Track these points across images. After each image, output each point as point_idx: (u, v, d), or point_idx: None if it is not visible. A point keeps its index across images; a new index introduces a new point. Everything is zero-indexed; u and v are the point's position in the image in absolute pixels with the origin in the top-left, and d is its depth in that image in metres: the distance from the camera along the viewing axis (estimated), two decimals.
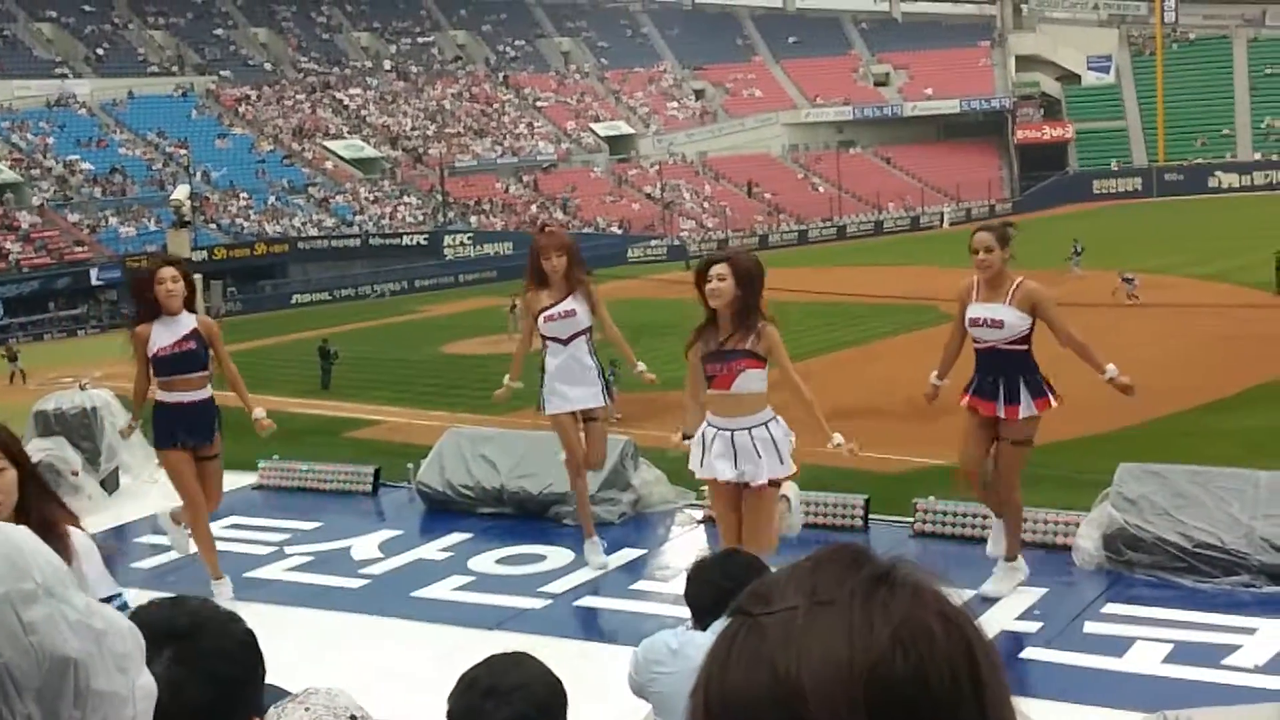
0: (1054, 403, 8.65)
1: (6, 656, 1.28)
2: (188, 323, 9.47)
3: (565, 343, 9.88)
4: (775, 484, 8.20)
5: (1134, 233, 67.59)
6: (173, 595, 2.28)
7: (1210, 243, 59.92)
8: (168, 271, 9.45)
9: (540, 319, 9.90)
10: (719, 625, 3.83)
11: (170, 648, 2.12)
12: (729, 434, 8.15)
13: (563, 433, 10.05)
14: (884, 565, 1.20)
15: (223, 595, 9.45)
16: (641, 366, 9.94)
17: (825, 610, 1.16)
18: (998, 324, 8.58)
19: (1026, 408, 8.56)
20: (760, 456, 8.11)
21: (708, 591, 4.61)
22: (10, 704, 1.26)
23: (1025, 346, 8.60)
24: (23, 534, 1.41)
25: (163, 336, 9.39)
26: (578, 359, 9.91)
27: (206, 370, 9.57)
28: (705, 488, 8.92)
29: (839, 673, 1.12)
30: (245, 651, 2.26)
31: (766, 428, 8.15)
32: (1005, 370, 8.61)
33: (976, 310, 8.65)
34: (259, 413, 9.76)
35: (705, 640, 4.43)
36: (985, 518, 10.04)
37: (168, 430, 9.54)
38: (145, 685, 1.47)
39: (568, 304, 9.81)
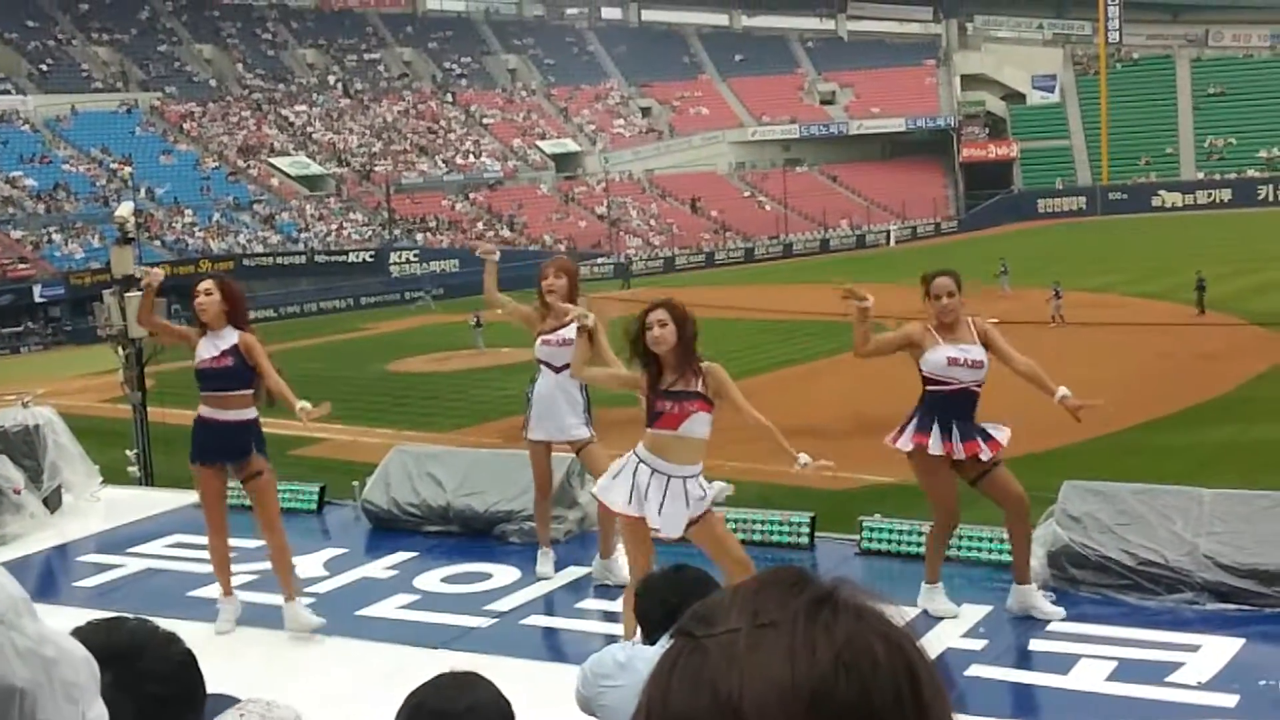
0: (1004, 442, 8.75)
1: None
2: (229, 338, 9.24)
3: (556, 370, 9.85)
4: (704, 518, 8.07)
5: (1076, 251, 68.11)
6: (111, 616, 2.24)
7: (1152, 261, 60.49)
8: (203, 284, 9.36)
9: (538, 341, 9.94)
10: (666, 639, 3.81)
11: (109, 670, 2.09)
12: (665, 479, 7.89)
13: (534, 460, 10.15)
14: (827, 587, 1.20)
15: (225, 615, 9.42)
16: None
17: (767, 632, 1.15)
18: (978, 364, 8.62)
19: (1001, 435, 8.65)
20: (686, 504, 7.89)
21: (656, 607, 4.62)
22: None
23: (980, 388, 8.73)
24: None
25: (205, 349, 9.23)
26: (565, 390, 9.87)
27: (248, 389, 9.28)
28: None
29: (781, 695, 1.11)
30: (184, 672, 2.23)
31: (699, 480, 7.98)
32: (966, 412, 8.65)
33: (953, 351, 8.61)
34: (302, 404, 9.14)
35: (653, 654, 4.42)
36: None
37: (199, 446, 9.33)
38: (97, 716, 1.43)
39: (566, 331, 9.56)
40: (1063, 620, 8.61)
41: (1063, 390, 8.52)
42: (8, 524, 11.99)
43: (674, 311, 7.94)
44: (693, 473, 7.97)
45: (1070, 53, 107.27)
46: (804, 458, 8.06)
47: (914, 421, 8.72)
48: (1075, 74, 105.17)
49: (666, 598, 4.59)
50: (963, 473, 8.69)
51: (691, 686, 1.15)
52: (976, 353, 8.60)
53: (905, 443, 8.72)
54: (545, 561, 10.28)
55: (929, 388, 8.69)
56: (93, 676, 1.45)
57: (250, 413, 9.33)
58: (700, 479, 8.03)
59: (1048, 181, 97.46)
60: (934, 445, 8.57)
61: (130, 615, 2.36)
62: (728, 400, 7.95)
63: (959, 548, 9.84)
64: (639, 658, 4.67)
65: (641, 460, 7.98)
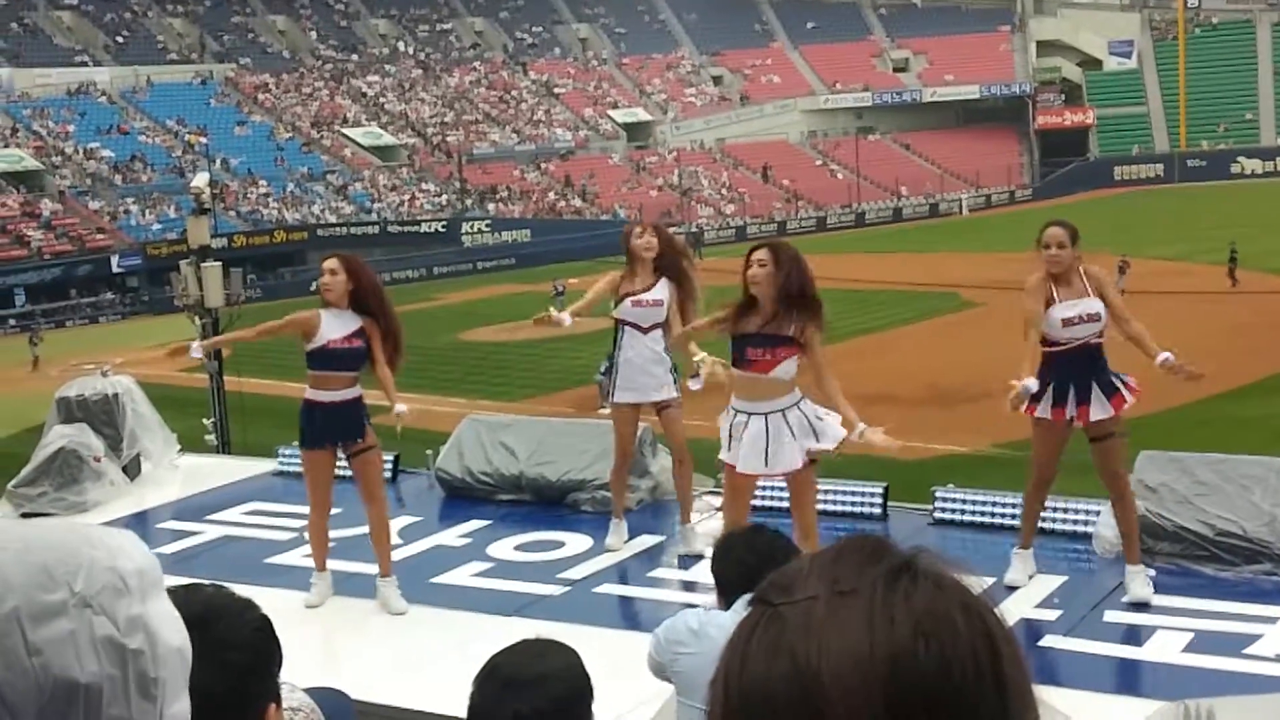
0: (1128, 400, 8.44)
1: (1, 676, 1.23)
2: (355, 319, 9.12)
3: (645, 331, 9.77)
4: (810, 460, 8.15)
5: (1151, 219, 67.30)
6: (188, 583, 2.26)
7: (1230, 230, 59.68)
8: (329, 263, 9.25)
9: (626, 302, 9.77)
10: (741, 604, 3.81)
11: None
12: (762, 418, 8.01)
13: (619, 424, 10.05)
14: (905, 555, 1.19)
15: (318, 589, 9.39)
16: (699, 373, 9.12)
17: (846, 600, 1.15)
18: (1094, 317, 8.35)
19: (1102, 408, 8.35)
20: (795, 437, 8.01)
21: (733, 568, 4.62)
22: None
23: (1103, 339, 8.47)
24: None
25: (333, 329, 9.06)
26: (654, 349, 9.78)
27: (359, 370, 9.23)
28: (721, 475, 8.72)
29: (859, 664, 1.11)
30: (260, 639, 2.25)
31: (798, 408, 8.06)
32: (1094, 369, 8.38)
33: (1067, 310, 8.33)
34: (400, 407, 9.25)
35: (727, 620, 4.43)
36: (1006, 505, 10.04)
37: (315, 431, 9.16)
38: (177, 714, 1.39)
39: (656, 292, 9.71)
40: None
41: (1165, 354, 8.19)
42: (88, 491, 12.15)
43: (778, 255, 7.95)
44: (787, 404, 8.03)
45: (1148, 18, 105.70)
46: (861, 426, 7.99)
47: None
48: (1153, 39, 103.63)
49: (744, 558, 4.59)
50: (1087, 430, 8.46)
51: (769, 654, 1.15)
52: (1091, 305, 8.33)
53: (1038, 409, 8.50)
54: (618, 532, 10.22)
55: (1046, 348, 8.42)
56: (182, 668, 1.40)
57: (359, 389, 9.26)
58: (800, 404, 8.07)
59: (1124, 149, 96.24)
60: (1041, 410, 8.42)
61: (207, 582, 2.38)
62: (811, 360, 7.95)
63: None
64: (712, 624, 4.68)
65: (738, 410, 8.12)
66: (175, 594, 2.22)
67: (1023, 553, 8.83)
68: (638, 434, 10.66)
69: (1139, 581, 8.45)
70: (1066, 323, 8.32)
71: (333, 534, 10.30)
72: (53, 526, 1.35)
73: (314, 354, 9.09)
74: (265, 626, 2.29)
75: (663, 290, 9.70)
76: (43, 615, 1.26)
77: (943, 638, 1.13)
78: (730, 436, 8.15)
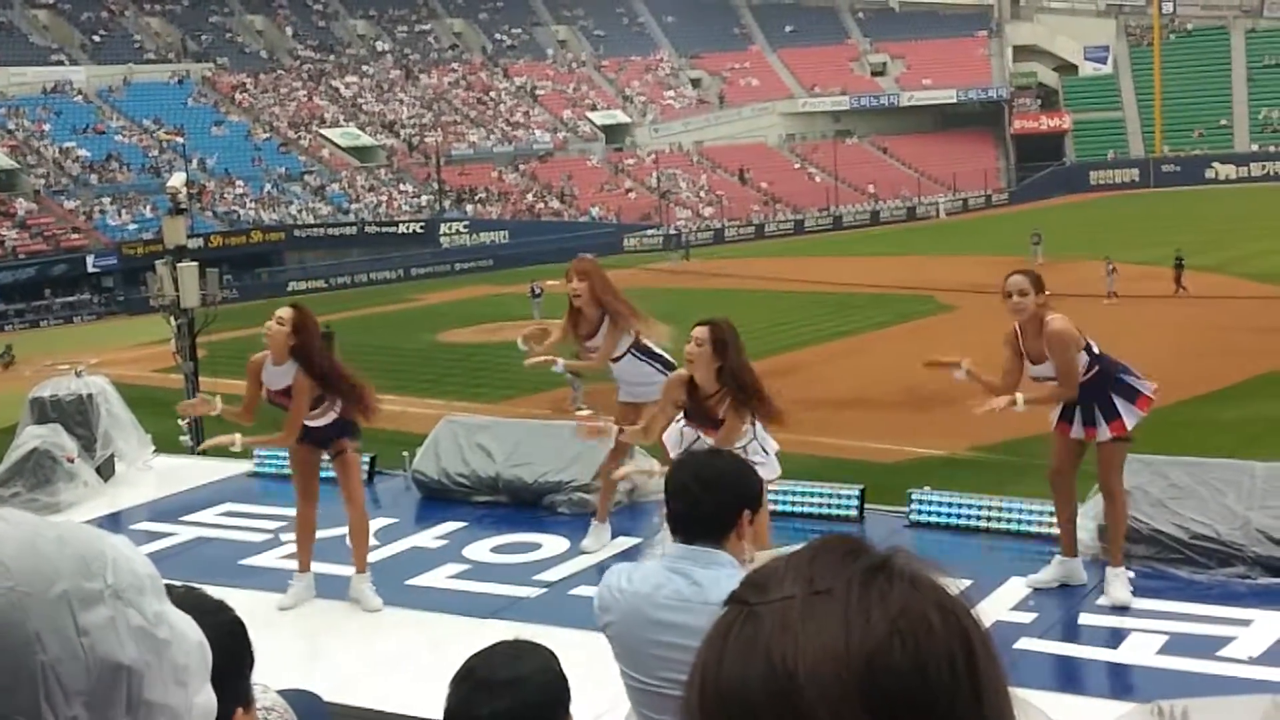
0: (1134, 417, 8.51)
1: (53, 655, 1.25)
2: (288, 374, 9.06)
3: (615, 360, 10.04)
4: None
5: (1126, 224, 67.57)
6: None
7: (1206, 235, 59.95)
8: (280, 310, 9.16)
9: (580, 350, 10.21)
10: (673, 548, 3.72)
11: None
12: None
13: (617, 421, 9.92)
14: (881, 555, 1.19)
15: (295, 591, 9.36)
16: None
17: (822, 600, 1.15)
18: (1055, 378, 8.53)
19: (1102, 432, 8.45)
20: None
21: (677, 498, 4.30)
22: (55, 705, 1.24)
23: (1095, 369, 8.45)
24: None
25: (273, 379, 9.13)
26: (635, 368, 10.02)
27: (320, 405, 9.18)
28: None
29: (835, 662, 1.11)
30: (231, 641, 2.25)
31: (746, 448, 8.09)
32: (1092, 395, 8.48)
33: (1035, 370, 8.52)
34: (237, 438, 9.24)
35: (647, 572, 4.32)
36: (981, 508, 10.08)
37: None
38: (204, 704, 1.43)
39: (597, 339, 9.99)
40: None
41: (1019, 402, 8.44)
42: (61, 492, 12.10)
43: (713, 333, 7.99)
44: (740, 444, 8.07)
45: (1124, 23, 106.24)
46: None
47: None
48: (1129, 45, 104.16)
49: (689, 485, 4.26)
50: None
51: (745, 654, 1.15)
52: (1048, 369, 8.47)
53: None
54: (598, 535, 10.17)
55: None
56: (204, 661, 1.46)
57: (330, 416, 9.29)
58: (749, 447, 8.13)
59: (1100, 154, 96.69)
60: (1052, 419, 8.69)
61: (178, 583, 2.38)
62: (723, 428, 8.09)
63: (1008, 520, 9.83)
64: (632, 576, 4.42)
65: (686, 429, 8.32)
66: None
67: (1064, 560, 8.84)
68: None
69: (1119, 584, 8.47)
70: (1035, 380, 8.57)
71: None
72: (71, 524, 1.39)
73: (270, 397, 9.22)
74: (237, 629, 2.29)
75: (601, 335, 9.99)
76: (88, 600, 1.29)
77: (918, 637, 1.13)
78: (682, 446, 8.16)
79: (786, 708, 1.11)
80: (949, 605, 1.17)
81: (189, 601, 2.26)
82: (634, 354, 9.98)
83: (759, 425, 8.29)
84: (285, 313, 9.13)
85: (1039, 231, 55.56)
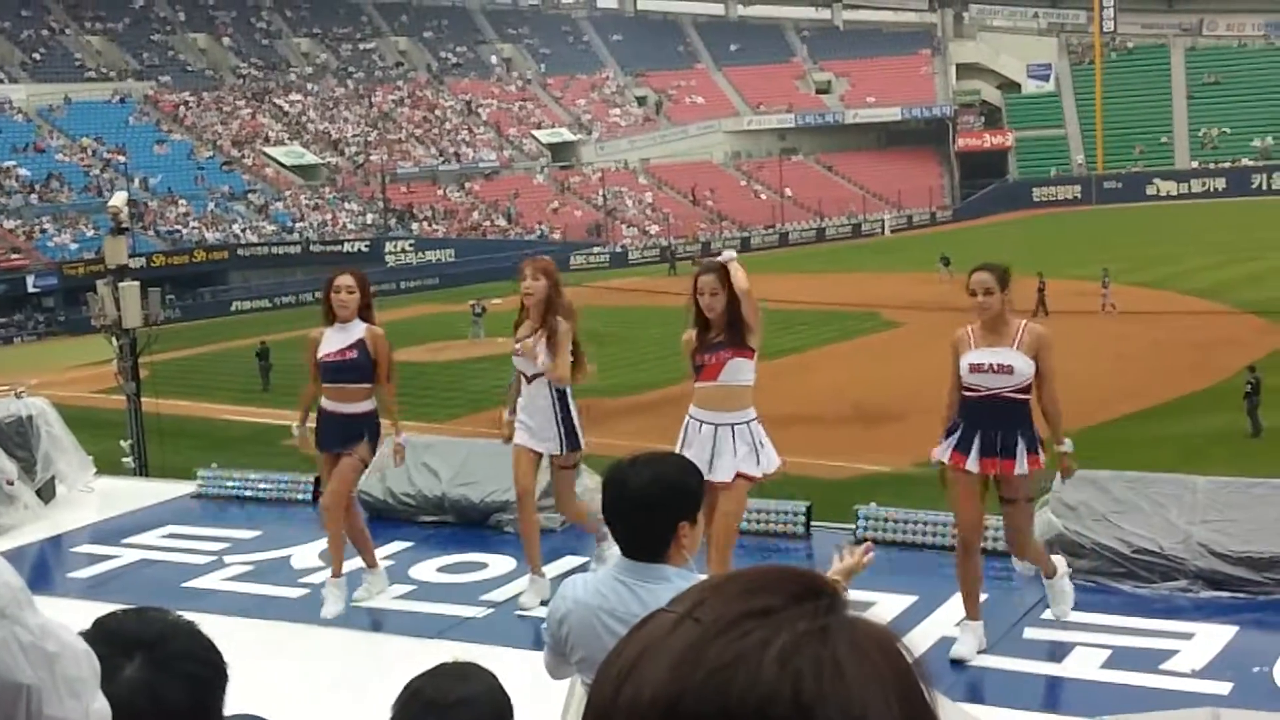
0: (1041, 462, 7.99)
1: None
2: (355, 330, 9.40)
3: (529, 380, 9.26)
4: (744, 478, 8.17)
5: (1068, 240, 68.09)
6: (133, 607, 2.32)
7: (1146, 250, 60.50)
8: (343, 281, 9.48)
9: (515, 347, 9.32)
10: (619, 560, 3.75)
11: (142, 653, 2.15)
12: (712, 429, 8.14)
13: (513, 464, 9.42)
14: (779, 604, 1.14)
15: (333, 598, 9.42)
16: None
17: (686, 627, 1.14)
18: (1006, 369, 7.84)
19: (1021, 465, 7.89)
20: (734, 453, 8.10)
21: (615, 521, 4.28)
22: None
23: (1028, 396, 7.91)
24: None
25: (331, 342, 9.41)
26: (535, 401, 9.22)
27: (368, 384, 9.43)
28: None
29: (652, 699, 1.10)
30: (213, 654, 2.30)
31: (749, 426, 8.19)
32: (1003, 423, 7.89)
33: (979, 356, 7.89)
34: (401, 438, 9.87)
35: (598, 581, 4.33)
36: (928, 523, 10.12)
37: (321, 435, 9.59)
38: (99, 710, 1.42)
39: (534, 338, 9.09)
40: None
41: (1068, 444, 8.17)
42: (1, 515, 11.97)
43: (723, 277, 8.12)
44: (738, 420, 8.18)
45: (1065, 42, 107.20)
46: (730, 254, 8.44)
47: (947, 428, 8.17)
48: (1070, 63, 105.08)
49: (621, 493, 4.21)
50: (1000, 489, 8.12)
51: (608, 663, 1.16)
52: (1007, 357, 7.84)
53: (937, 451, 8.16)
54: (537, 589, 9.38)
55: (960, 392, 8.04)
56: (93, 670, 1.44)
57: (368, 404, 9.49)
58: (751, 425, 8.22)
59: (1042, 171, 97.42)
60: (939, 452, 8.10)
61: (133, 606, 2.42)
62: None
63: (955, 536, 9.86)
64: (577, 587, 4.45)
65: (691, 416, 8.30)
66: (129, 615, 2.25)
67: (971, 624, 8.14)
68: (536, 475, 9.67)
69: (1059, 592, 8.35)
70: (974, 368, 7.90)
71: (251, 557, 10.21)
72: None
73: (319, 367, 9.49)
74: (213, 644, 2.37)
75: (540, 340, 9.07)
76: None
77: (731, 686, 1.09)
78: (683, 441, 8.21)
79: None
80: (798, 666, 1.10)
81: (170, 619, 2.30)
82: (552, 390, 9.17)
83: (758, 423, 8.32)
84: (347, 280, 9.47)
85: (947, 255, 54.47)
